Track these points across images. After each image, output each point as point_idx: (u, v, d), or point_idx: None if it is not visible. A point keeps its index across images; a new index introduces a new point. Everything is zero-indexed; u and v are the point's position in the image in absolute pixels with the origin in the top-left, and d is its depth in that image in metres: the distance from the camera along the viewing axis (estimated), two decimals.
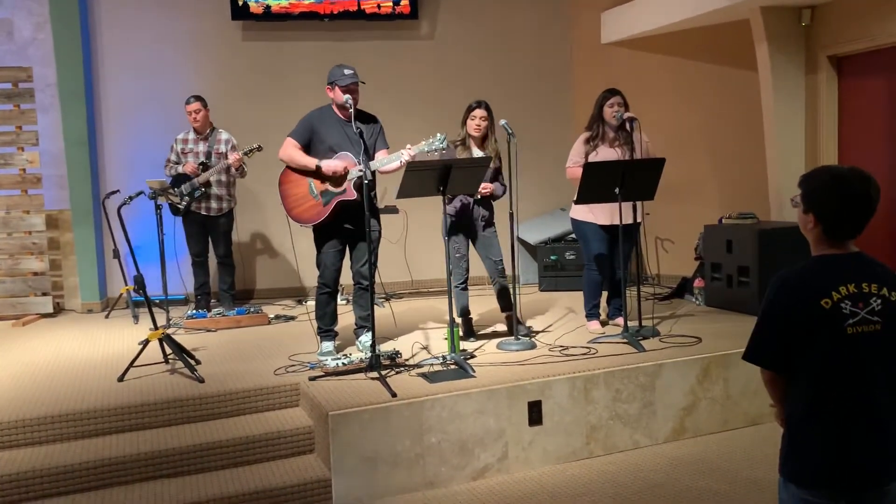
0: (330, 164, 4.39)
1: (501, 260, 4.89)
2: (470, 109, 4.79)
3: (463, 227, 4.84)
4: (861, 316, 1.93)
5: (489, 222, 4.91)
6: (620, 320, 4.83)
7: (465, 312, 4.94)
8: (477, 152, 4.80)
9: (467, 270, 4.90)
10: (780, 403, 2.08)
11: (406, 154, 4.33)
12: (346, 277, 4.71)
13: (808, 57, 5.97)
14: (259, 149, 5.87)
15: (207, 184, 5.93)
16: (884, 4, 5.36)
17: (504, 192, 4.88)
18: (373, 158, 4.45)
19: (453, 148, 4.79)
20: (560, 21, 7.72)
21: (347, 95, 4.32)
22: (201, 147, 6.02)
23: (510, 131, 4.52)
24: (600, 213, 4.89)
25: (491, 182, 4.79)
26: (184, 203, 5.93)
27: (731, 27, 6.34)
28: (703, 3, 5.91)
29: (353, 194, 4.38)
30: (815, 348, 1.94)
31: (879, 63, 5.62)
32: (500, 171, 4.89)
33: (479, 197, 4.76)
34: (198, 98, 5.98)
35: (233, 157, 5.84)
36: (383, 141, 4.59)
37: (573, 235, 5.66)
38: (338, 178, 4.41)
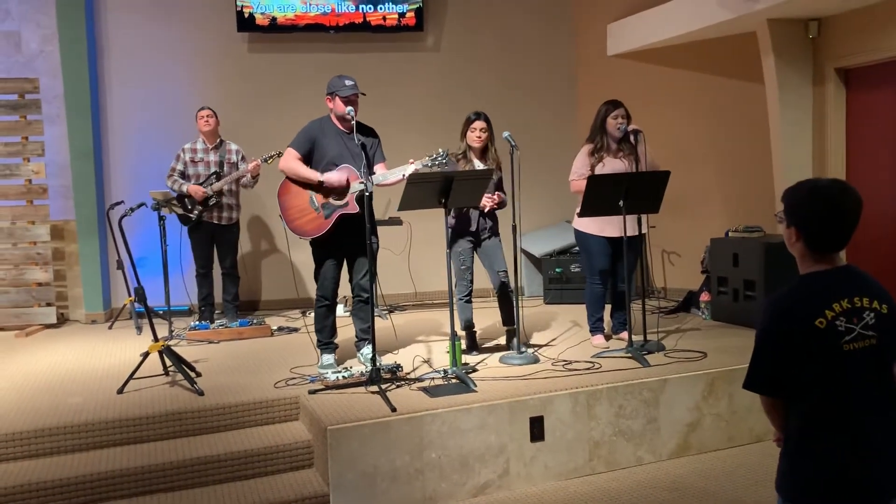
0: (332, 178, 4.37)
1: (505, 271, 4.84)
2: (469, 122, 4.77)
3: (466, 238, 4.81)
4: (856, 332, 1.90)
5: (493, 232, 4.87)
6: (625, 334, 4.78)
7: (468, 326, 4.90)
8: (478, 164, 4.78)
9: (471, 283, 4.86)
10: (780, 428, 2.05)
11: (410, 168, 4.31)
12: (346, 289, 4.67)
13: (816, 69, 5.92)
14: (280, 154, 5.86)
15: (220, 193, 5.94)
16: (890, 17, 5.31)
17: (505, 202, 4.86)
18: (371, 171, 4.44)
19: (455, 161, 4.77)
20: (565, 33, 7.71)
21: (350, 107, 4.31)
22: (212, 157, 6.05)
23: (513, 143, 4.50)
24: (608, 226, 4.84)
25: (494, 192, 4.75)
26: (195, 212, 5.94)
27: (737, 39, 6.30)
28: (709, 15, 5.87)
29: (355, 207, 4.36)
30: (813, 368, 1.91)
31: (887, 75, 5.57)
32: (502, 182, 4.86)
33: (486, 209, 4.73)
34: (210, 108, 6.08)
35: (252, 164, 5.85)
36: (381, 154, 4.58)
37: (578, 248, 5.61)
38: (340, 191, 4.40)
